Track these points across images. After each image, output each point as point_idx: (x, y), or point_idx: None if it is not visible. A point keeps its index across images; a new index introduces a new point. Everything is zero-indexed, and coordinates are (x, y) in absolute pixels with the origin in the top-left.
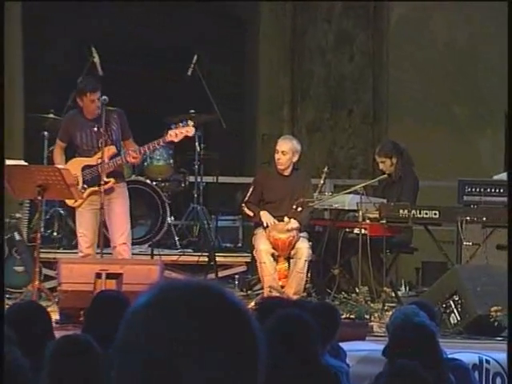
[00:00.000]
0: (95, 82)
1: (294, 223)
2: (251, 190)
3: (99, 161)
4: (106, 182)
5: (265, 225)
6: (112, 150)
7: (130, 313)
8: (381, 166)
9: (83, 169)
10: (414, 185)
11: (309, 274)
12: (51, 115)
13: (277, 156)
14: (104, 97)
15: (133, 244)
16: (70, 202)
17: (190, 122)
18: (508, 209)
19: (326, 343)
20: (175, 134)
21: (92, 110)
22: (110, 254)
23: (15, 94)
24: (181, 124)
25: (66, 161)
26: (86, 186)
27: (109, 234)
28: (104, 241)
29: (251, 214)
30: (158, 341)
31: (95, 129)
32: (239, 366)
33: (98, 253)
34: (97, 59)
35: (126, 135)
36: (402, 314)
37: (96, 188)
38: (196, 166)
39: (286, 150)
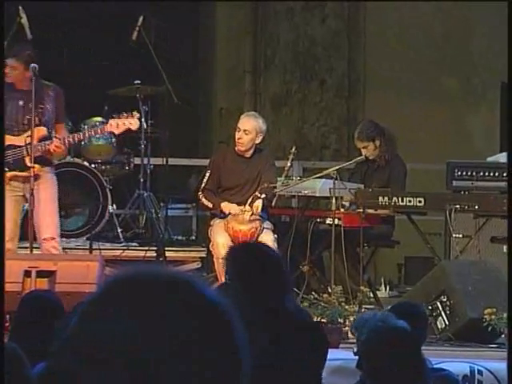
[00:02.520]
0: (12, 49)
1: (255, 208)
2: (208, 174)
3: (27, 142)
4: (31, 168)
5: (227, 213)
6: (42, 131)
7: (82, 311)
8: (363, 151)
9: (6, 148)
10: (403, 170)
11: None
12: None
13: (237, 135)
14: (33, 64)
15: (68, 237)
16: None
17: (136, 114)
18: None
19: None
20: (116, 125)
21: (8, 77)
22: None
23: None
24: (125, 114)
25: None
26: (6, 168)
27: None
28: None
29: (210, 205)
30: (120, 341)
31: (21, 102)
32: (217, 371)
33: (23, 247)
34: (25, 20)
35: (60, 118)
36: (367, 318)
37: (18, 173)
38: (142, 146)
39: (249, 129)
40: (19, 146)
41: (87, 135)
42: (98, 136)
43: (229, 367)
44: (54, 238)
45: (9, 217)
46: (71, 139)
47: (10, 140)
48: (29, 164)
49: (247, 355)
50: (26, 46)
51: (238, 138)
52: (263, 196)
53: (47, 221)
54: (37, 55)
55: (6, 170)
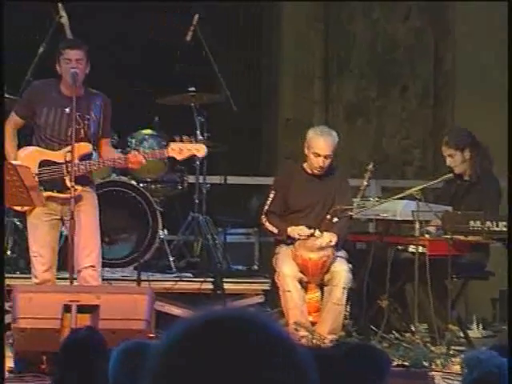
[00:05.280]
0: (79, 41)
1: (328, 238)
2: (272, 195)
3: (67, 158)
4: (72, 189)
5: (296, 238)
6: (85, 148)
7: (159, 352)
8: (448, 161)
9: (41, 164)
10: (497, 191)
11: (348, 307)
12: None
13: (316, 160)
14: (74, 70)
15: (113, 266)
16: (17, 207)
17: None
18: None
19: None
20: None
21: (69, 74)
22: None
23: None
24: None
25: (19, 147)
26: (41, 188)
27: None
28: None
29: (275, 230)
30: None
31: (67, 110)
32: None
33: (61, 278)
34: (65, 19)
35: (105, 133)
36: (483, 359)
37: (55, 194)
38: (197, 163)
39: (330, 153)
40: (57, 163)
41: (149, 156)
42: (147, 150)
43: None
44: (93, 267)
45: (45, 243)
46: (148, 156)
47: (46, 155)
48: (69, 184)
49: None
50: (84, 44)
51: (320, 166)
52: (335, 220)
53: (88, 248)
54: None
55: (41, 189)
